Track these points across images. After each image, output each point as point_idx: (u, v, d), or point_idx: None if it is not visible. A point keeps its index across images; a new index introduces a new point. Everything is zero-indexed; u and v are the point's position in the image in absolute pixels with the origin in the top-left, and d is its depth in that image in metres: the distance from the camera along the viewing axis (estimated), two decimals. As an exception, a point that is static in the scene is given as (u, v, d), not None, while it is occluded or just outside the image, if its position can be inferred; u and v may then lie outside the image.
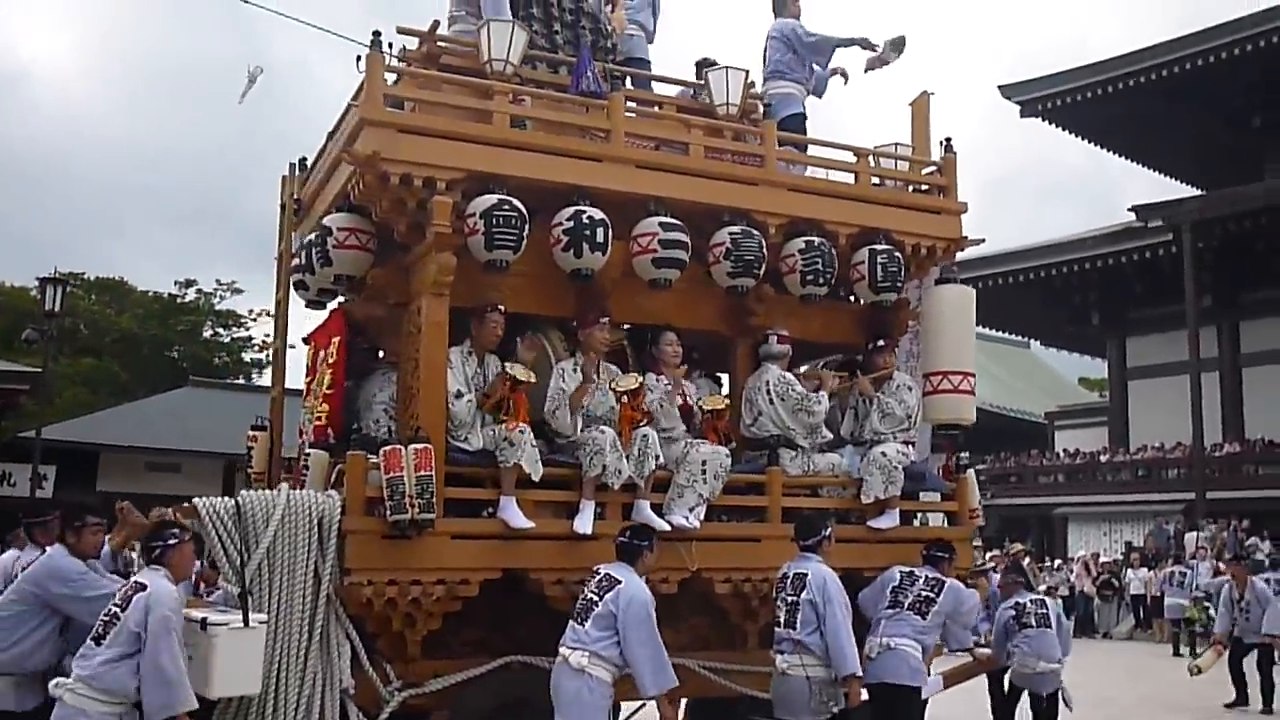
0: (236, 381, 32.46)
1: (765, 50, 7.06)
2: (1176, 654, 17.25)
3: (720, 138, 6.24)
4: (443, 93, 5.55)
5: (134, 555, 6.67)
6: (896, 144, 6.94)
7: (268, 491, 4.86)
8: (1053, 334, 33.72)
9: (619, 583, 4.74)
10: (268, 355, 36.19)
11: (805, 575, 5.20)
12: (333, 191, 5.81)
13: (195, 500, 4.76)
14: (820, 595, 5.09)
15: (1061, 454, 29.11)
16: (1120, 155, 30.90)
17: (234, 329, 36.24)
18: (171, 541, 4.18)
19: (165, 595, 3.98)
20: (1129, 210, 26.86)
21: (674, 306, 6.03)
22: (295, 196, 6.61)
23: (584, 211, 5.43)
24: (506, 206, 5.22)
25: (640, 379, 5.47)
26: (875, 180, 6.65)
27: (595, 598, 4.72)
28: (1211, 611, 19.06)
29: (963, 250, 6.91)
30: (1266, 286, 25.92)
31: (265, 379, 35.14)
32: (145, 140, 62.57)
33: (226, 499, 4.75)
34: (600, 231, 5.43)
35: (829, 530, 5.43)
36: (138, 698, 3.86)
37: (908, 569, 5.86)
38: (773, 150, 6.20)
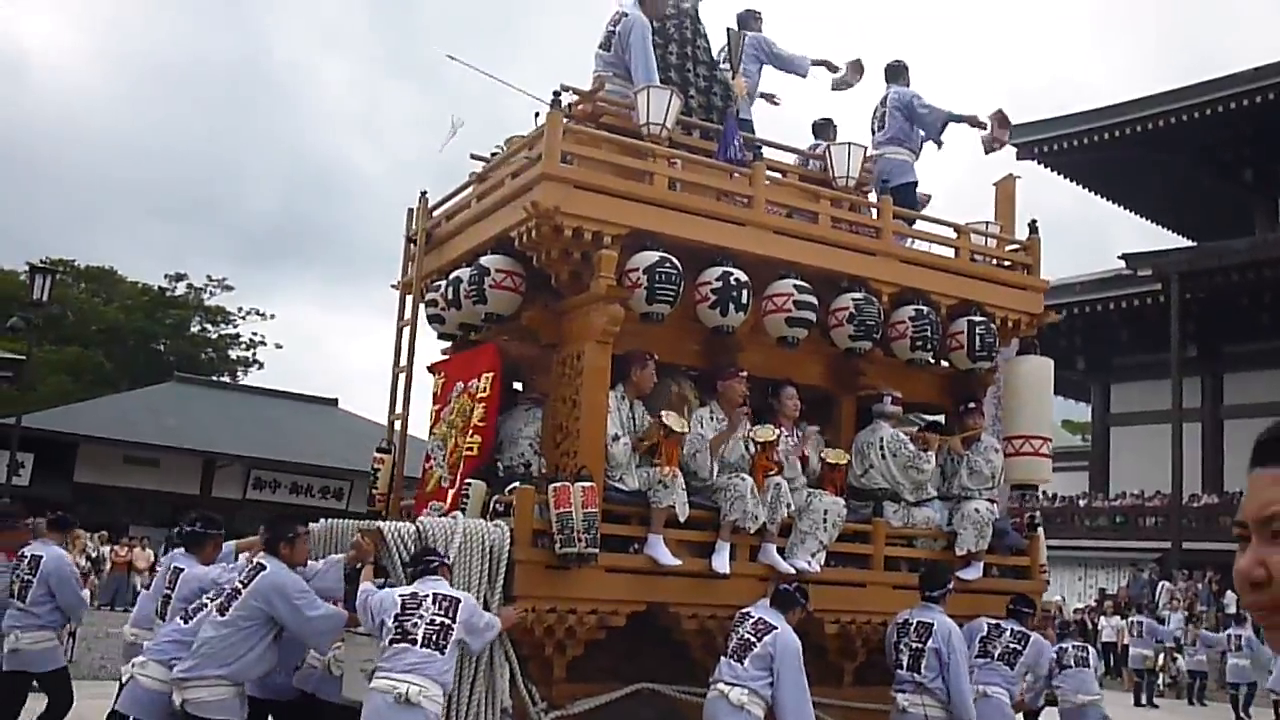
0: (221, 379, 32.56)
1: (883, 115, 7.62)
2: (1138, 704, 17.91)
3: (839, 208, 6.82)
4: (601, 150, 6.06)
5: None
6: (987, 222, 7.58)
7: (444, 519, 5.32)
8: (1036, 376, 34.72)
9: (775, 628, 5.28)
10: (254, 354, 36.42)
11: (931, 625, 5.79)
12: (487, 233, 6.29)
13: (380, 524, 5.22)
14: (946, 646, 5.69)
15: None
16: (1112, 201, 32.06)
17: (222, 325, 36.36)
18: (447, 561, 4.90)
19: (470, 597, 4.82)
20: (1119, 258, 27.93)
21: (788, 362, 6.58)
22: (425, 230, 7.07)
23: (731, 273, 5.97)
24: (668, 264, 5.76)
25: (777, 431, 6.01)
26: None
27: (752, 639, 5.25)
28: (1180, 662, 20.08)
29: (1044, 324, 7.61)
30: (1250, 340, 27.06)
31: (251, 378, 35.37)
32: (142, 133, 62.55)
33: (408, 524, 5.21)
34: (745, 293, 5.98)
35: (952, 584, 6.03)
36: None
37: (994, 620, 6.46)
38: (889, 223, 6.80)
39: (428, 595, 4.60)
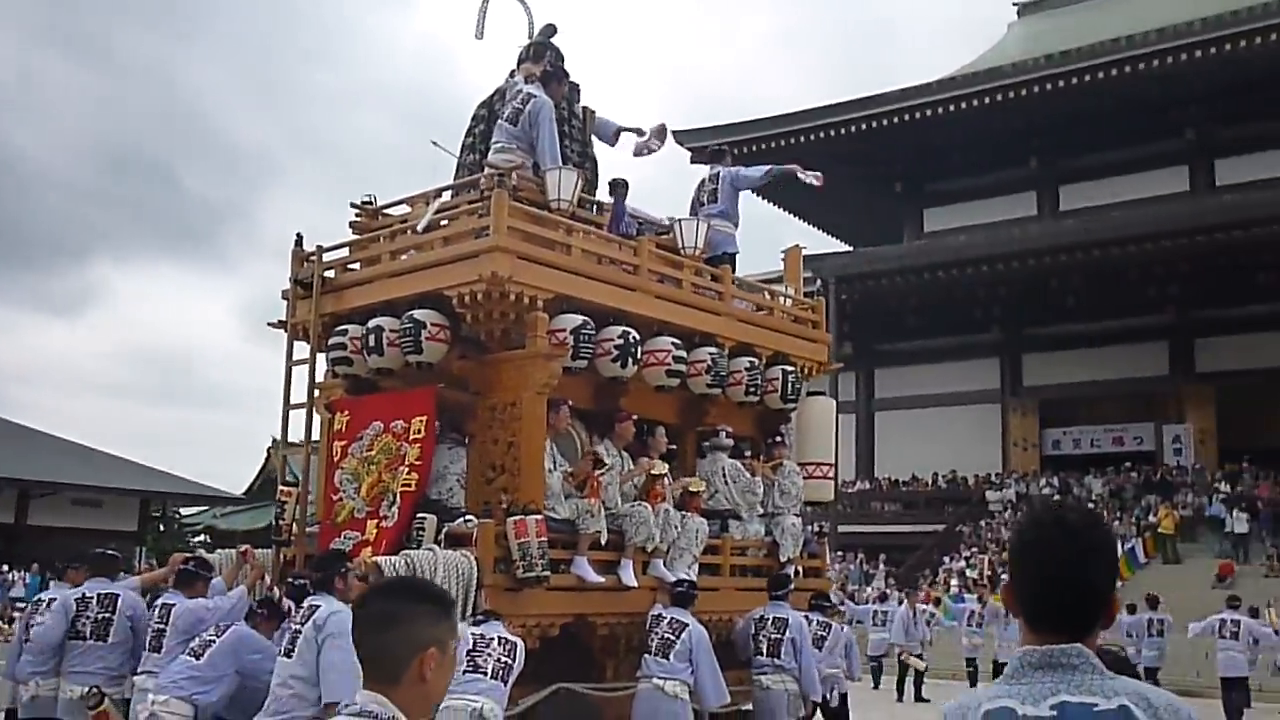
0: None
1: (714, 192, 9.62)
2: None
3: (687, 273, 8.82)
4: (521, 221, 7.62)
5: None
6: (785, 284, 9.97)
7: (426, 551, 6.70)
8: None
9: (687, 625, 7.21)
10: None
11: (785, 619, 7.97)
12: (412, 288, 7.61)
13: (377, 558, 6.52)
14: (799, 635, 7.91)
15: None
16: (781, 207, 36.78)
17: None
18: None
19: (521, 645, 6.20)
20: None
21: (653, 404, 8.50)
22: (320, 274, 8.21)
23: (629, 332, 7.80)
24: (589, 326, 7.49)
25: (667, 465, 7.91)
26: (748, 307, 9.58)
27: (672, 637, 7.15)
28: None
29: (827, 372, 10.13)
30: (897, 339, 32.56)
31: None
32: None
33: (398, 558, 6.55)
34: (639, 349, 7.85)
35: (793, 584, 8.25)
36: None
37: (803, 612, 8.79)
38: (729, 287, 8.92)
39: (494, 638, 6.10)
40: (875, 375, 33.65)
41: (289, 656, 5.74)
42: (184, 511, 30.67)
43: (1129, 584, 23.43)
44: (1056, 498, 25.06)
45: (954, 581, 25.35)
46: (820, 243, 37.52)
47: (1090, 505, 28.62)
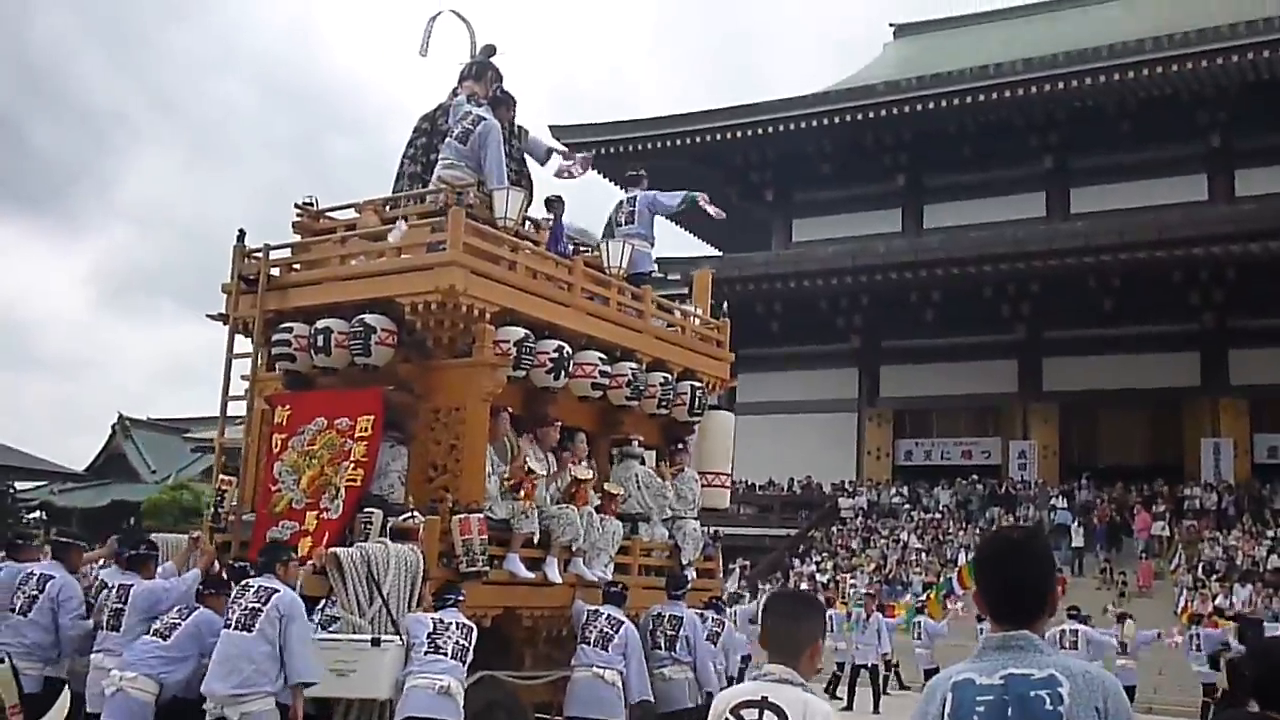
0: None
1: (631, 213, 10.60)
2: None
3: (609, 290, 9.78)
4: (473, 237, 8.43)
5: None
6: (695, 305, 11.07)
7: (378, 544, 7.46)
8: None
9: (624, 622, 8.21)
10: None
11: (681, 617, 9.02)
12: (362, 293, 8.34)
13: (335, 550, 7.25)
14: (692, 632, 8.96)
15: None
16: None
17: None
18: (463, 597, 7.03)
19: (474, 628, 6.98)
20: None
21: (574, 411, 9.44)
22: (264, 273, 8.84)
23: (564, 346, 8.72)
24: (530, 339, 8.37)
25: (591, 471, 8.85)
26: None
27: (611, 632, 8.16)
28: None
29: (728, 388, 11.27)
30: (761, 344, 34.14)
31: None
32: None
33: (355, 550, 7.31)
34: (571, 362, 8.77)
35: (690, 584, 9.31)
36: None
37: (698, 611, 9.88)
38: (649, 306, 9.93)
39: (452, 623, 6.98)
40: (738, 379, 35.14)
41: (249, 631, 6.39)
42: (19, 486, 29.86)
43: (970, 591, 25.46)
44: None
45: (804, 585, 26.98)
46: (691, 246, 38.98)
47: (938, 515, 30.83)
